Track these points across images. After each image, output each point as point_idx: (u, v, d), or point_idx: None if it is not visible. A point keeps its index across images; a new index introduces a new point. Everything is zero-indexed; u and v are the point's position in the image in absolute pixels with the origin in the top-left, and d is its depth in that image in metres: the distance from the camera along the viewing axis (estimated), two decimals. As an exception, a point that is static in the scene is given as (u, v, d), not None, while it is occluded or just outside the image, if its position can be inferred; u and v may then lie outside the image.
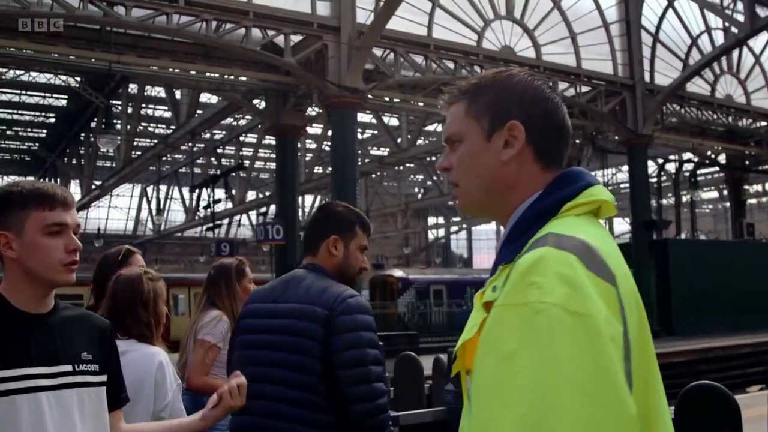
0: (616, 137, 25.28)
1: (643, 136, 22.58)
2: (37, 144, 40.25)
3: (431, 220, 56.85)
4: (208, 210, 26.06)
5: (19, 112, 36.07)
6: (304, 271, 2.91)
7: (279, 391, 2.66)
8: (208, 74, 18.80)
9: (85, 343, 2.11)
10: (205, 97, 25.71)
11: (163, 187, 42.40)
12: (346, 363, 2.61)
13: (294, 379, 2.65)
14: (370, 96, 18.10)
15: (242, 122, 29.98)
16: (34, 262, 2.01)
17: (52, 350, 2.02)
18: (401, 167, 37.34)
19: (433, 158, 36.49)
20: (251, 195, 39.52)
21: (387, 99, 20.30)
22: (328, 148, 32.40)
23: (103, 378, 2.12)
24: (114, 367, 2.21)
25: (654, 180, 26.58)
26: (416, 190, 49.80)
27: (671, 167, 29.28)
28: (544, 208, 1.34)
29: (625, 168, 38.79)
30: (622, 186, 40.89)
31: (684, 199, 28.01)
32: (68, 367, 2.03)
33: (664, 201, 29.37)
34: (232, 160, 34.55)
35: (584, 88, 21.86)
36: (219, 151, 34.30)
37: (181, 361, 4.65)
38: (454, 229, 57.99)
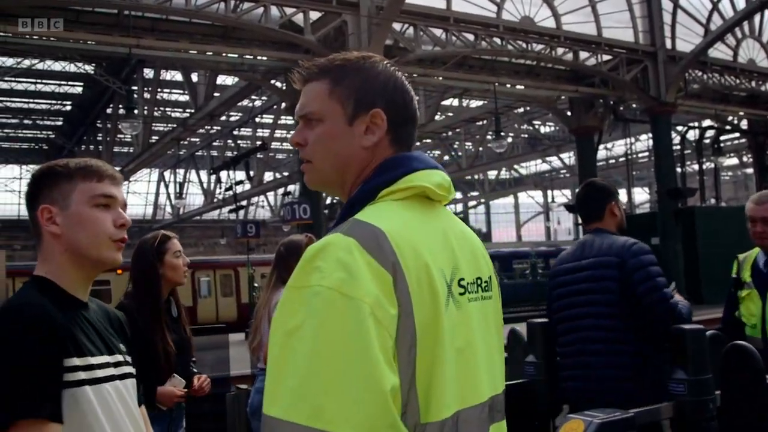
0: (635, 106, 25.05)
1: (666, 103, 22.26)
2: (54, 132, 40.28)
3: (449, 195, 56.56)
4: (230, 192, 26.04)
5: (36, 101, 36.11)
6: (591, 235, 3.86)
7: (595, 323, 3.63)
8: (226, 55, 18.68)
9: (117, 334, 2.04)
10: (221, 79, 25.62)
11: (180, 171, 42.50)
12: (638, 282, 3.50)
13: (601, 312, 3.61)
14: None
15: (257, 103, 29.90)
16: (81, 236, 1.89)
17: (106, 339, 1.94)
18: (419, 142, 37.17)
19: (450, 133, 36.43)
20: (268, 176, 39.46)
21: (407, 74, 20.12)
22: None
23: (134, 371, 2.05)
24: (136, 361, 2.11)
25: (677, 148, 26.24)
26: (434, 165, 49.51)
27: (692, 135, 28.93)
28: (363, 194, 1.45)
29: (643, 137, 38.73)
30: (640, 156, 40.73)
31: (705, 166, 27.68)
32: (120, 357, 1.97)
33: (687, 169, 29.07)
34: (249, 142, 34.46)
35: (605, 57, 21.54)
36: (235, 132, 34.22)
37: (254, 342, 4.59)
38: (472, 203, 57.79)
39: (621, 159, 40.48)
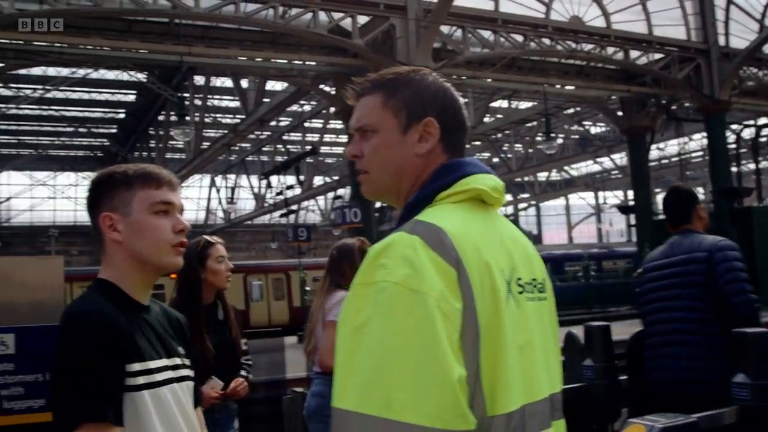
0: (688, 104, 24.60)
1: (720, 101, 21.86)
2: (108, 140, 40.99)
3: (499, 198, 56.17)
4: (280, 197, 26.19)
5: (91, 109, 36.76)
6: (680, 236, 4.15)
7: (684, 315, 3.91)
8: (275, 61, 18.82)
9: (177, 337, 2.07)
10: (270, 85, 25.81)
11: (231, 176, 42.89)
12: (721, 274, 3.79)
13: (689, 305, 3.90)
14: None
15: (306, 108, 30.05)
16: (142, 243, 1.93)
17: (166, 343, 1.98)
18: (468, 145, 36.93)
19: (500, 135, 36.22)
20: (318, 180, 39.64)
21: (455, 77, 20.10)
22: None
23: (192, 374, 2.08)
24: (195, 364, 2.14)
25: (732, 147, 25.73)
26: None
27: (747, 133, 28.32)
28: (421, 198, 1.50)
29: (696, 136, 38.01)
30: (694, 155, 40.01)
31: (762, 165, 27.10)
32: (178, 360, 2.00)
33: (743, 168, 28.48)
34: (299, 147, 34.67)
35: (656, 56, 21.26)
36: (285, 137, 34.44)
37: (309, 346, 4.60)
38: (522, 205, 57.36)
39: (674, 159, 39.83)
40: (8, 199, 44.33)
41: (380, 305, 1.26)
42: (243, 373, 4.04)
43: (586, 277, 29.41)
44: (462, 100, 1.64)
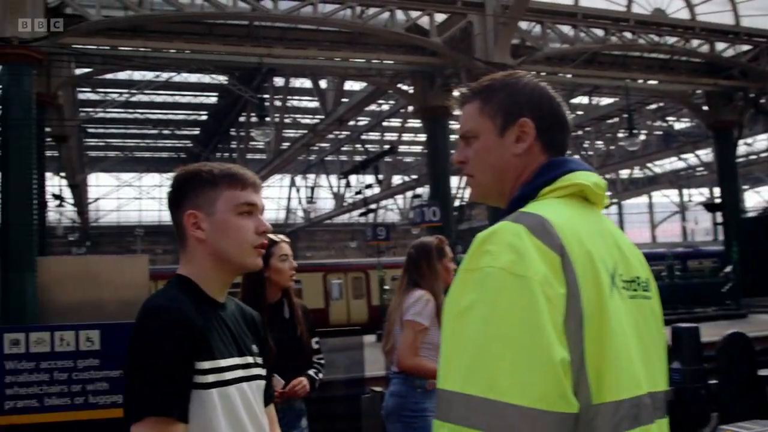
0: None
1: (813, 94, 21.10)
2: (191, 141, 41.83)
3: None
4: (359, 196, 26.28)
5: (174, 111, 37.56)
6: None
7: None
8: (353, 61, 18.92)
9: (251, 334, 2.08)
10: (349, 85, 25.94)
11: (311, 176, 43.30)
12: None
13: None
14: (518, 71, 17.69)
15: (385, 107, 30.08)
16: (226, 243, 1.95)
17: (239, 341, 1.99)
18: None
19: (580, 132, 35.64)
20: (397, 179, 39.69)
21: (534, 73, 19.83)
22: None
23: (265, 372, 2.09)
24: (268, 362, 2.15)
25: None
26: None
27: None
28: (525, 193, 1.55)
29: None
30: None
31: None
32: (250, 359, 2.00)
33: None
34: (377, 146, 34.75)
35: (744, 47, 20.62)
36: (363, 137, 34.57)
37: (388, 346, 4.57)
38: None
39: (763, 154, 38.58)
40: (96, 200, 45.60)
41: (485, 290, 1.30)
42: (312, 372, 4.00)
43: (671, 277, 28.70)
44: (560, 99, 1.66)
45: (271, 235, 4.04)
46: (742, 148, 35.49)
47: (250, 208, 1.98)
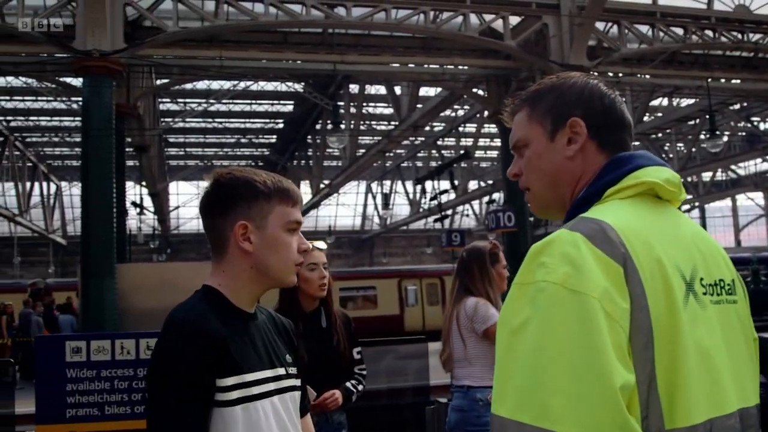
0: None
1: None
2: (268, 149, 42.36)
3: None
4: (434, 202, 26.18)
5: (251, 120, 38.10)
6: None
7: None
8: (427, 66, 18.85)
9: (284, 344, 2.05)
10: (423, 91, 25.87)
11: (386, 182, 43.41)
12: None
13: None
14: (595, 73, 17.39)
15: (460, 113, 29.93)
16: (272, 259, 1.92)
17: (270, 352, 1.95)
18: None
19: (660, 134, 34.85)
20: (473, 184, 39.45)
21: (611, 74, 19.45)
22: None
23: (299, 382, 2.06)
24: (302, 371, 2.10)
25: None
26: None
27: None
28: (588, 196, 1.44)
29: None
30: None
31: None
32: (282, 371, 1.96)
33: None
34: (452, 152, 34.62)
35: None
36: (439, 143, 34.47)
37: (444, 355, 4.48)
38: (685, 207, 55.05)
39: None
40: (177, 208, 46.64)
41: (539, 307, 1.20)
42: (350, 384, 3.88)
43: (755, 282, 27.81)
44: (615, 95, 1.55)
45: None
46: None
47: (296, 225, 1.97)
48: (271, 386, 1.89)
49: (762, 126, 37.35)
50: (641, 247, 1.27)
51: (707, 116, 22.61)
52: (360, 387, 3.96)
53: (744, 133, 37.91)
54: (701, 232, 1.48)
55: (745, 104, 30.36)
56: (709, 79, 20.18)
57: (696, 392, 1.24)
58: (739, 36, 18.37)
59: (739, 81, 21.43)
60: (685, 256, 1.35)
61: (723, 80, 21.11)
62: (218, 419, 1.77)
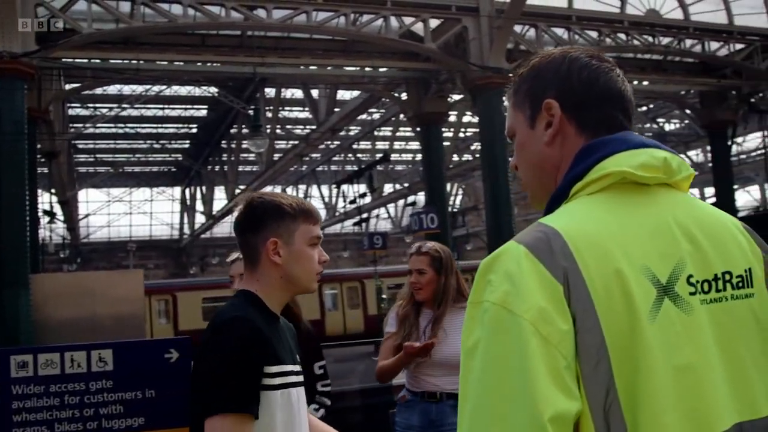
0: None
1: (807, 91, 21.08)
2: (181, 155, 41.65)
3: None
4: (352, 205, 26.14)
5: (164, 125, 37.39)
6: None
7: None
8: (347, 69, 18.82)
9: (294, 344, 2.36)
10: (340, 95, 25.83)
11: (302, 186, 43.19)
12: None
13: None
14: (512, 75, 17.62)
15: (376, 116, 30.02)
16: (298, 270, 2.26)
17: (292, 350, 2.29)
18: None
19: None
20: (388, 187, 39.61)
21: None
22: (465, 134, 32.18)
23: (302, 379, 2.34)
24: (305, 368, 2.44)
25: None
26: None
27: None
28: (556, 195, 1.31)
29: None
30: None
31: None
32: (298, 367, 2.28)
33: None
34: (369, 155, 34.68)
35: (738, 46, 20.59)
36: (355, 146, 34.49)
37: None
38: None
39: (753, 154, 38.74)
40: (86, 216, 45.40)
41: (485, 328, 1.13)
42: (313, 407, 3.81)
43: None
44: (600, 64, 1.37)
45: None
46: (733, 148, 35.62)
47: (317, 241, 2.32)
48: (295, 378, 2.21)
49: (667, 127, 38.63)
50: (595, 257, 1.14)
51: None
52: (325, 407, 3.93)
53: (650, 135, 39.10)
54: (707, 214, 1.32)
55: (651, 106, 31.30)
56: (622, 81, 20.70)
57: (670, 414, 1.10)
58: (651, 39, 18.91)
59: (648, 83, 22.08)
60: (665, 254, 1.20)
61: (635, 82, 21.72)
62: (264, 401, 2.07)
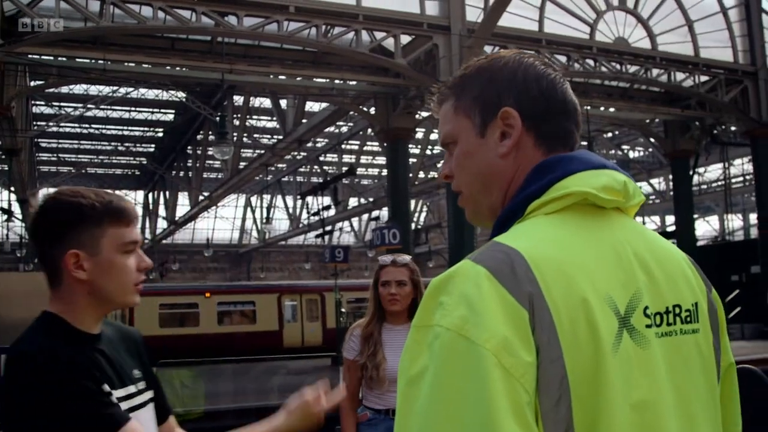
0: (734, 128, 24.13)
1: (768, 125, 21.45)
2: (146, 158, 41.32)
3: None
4: (315, 217, 26.06)
5: (130, 128, 37.07)
6: None
7: None
8: (316, 80, 18.80)
9: (132, 360, 1.96)
10: (308, 107, 25.83)
11: (266, 196, 43.03)
12: None
13: None
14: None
15: (344, 129, 30.03)
16: (109, 284, 1.83)
17: (117, 371, 1.85)
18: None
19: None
20: (353, 201, 39.62)
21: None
22: (432, 152, 32.29)
23: (151, 394, 1.99)
24: (155, 379, 2.04)
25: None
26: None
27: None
28: (509, 211, 1.21)
29: (737, 162, 37.45)
30: (734, 181, 39.39)
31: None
32: (132, 388, 1.89)
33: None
34: (335, 168, 34.71)
35: (703, 78, 20.92)
36: (321, 158, 34.47)
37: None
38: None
39: (713, 184, 39.39)
40: (46, 215, 44.79)
41: (434, 355, 1.01)
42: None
43: None
44: (556, 75, 1.29)
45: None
46: (693, 179, 36.17)
47: (134, 246, 1.88)
48: (124, 405, 1.79)
49: (631, 154, 39.12)
50: (559, 283, 1.05)
51: (585, 142, 23.46)
52: None
53: (614, 161, 39.47)
54: (658, 245, 1.25)
55: (616, 133, 31.67)
56: (588, 107, 20.94)
57: None
58: (618, 67, 19.14)
59: (614, 110, 22.33)
60: (623, 282, 1.13)
61: (602, 108, 21.97)
62: None
